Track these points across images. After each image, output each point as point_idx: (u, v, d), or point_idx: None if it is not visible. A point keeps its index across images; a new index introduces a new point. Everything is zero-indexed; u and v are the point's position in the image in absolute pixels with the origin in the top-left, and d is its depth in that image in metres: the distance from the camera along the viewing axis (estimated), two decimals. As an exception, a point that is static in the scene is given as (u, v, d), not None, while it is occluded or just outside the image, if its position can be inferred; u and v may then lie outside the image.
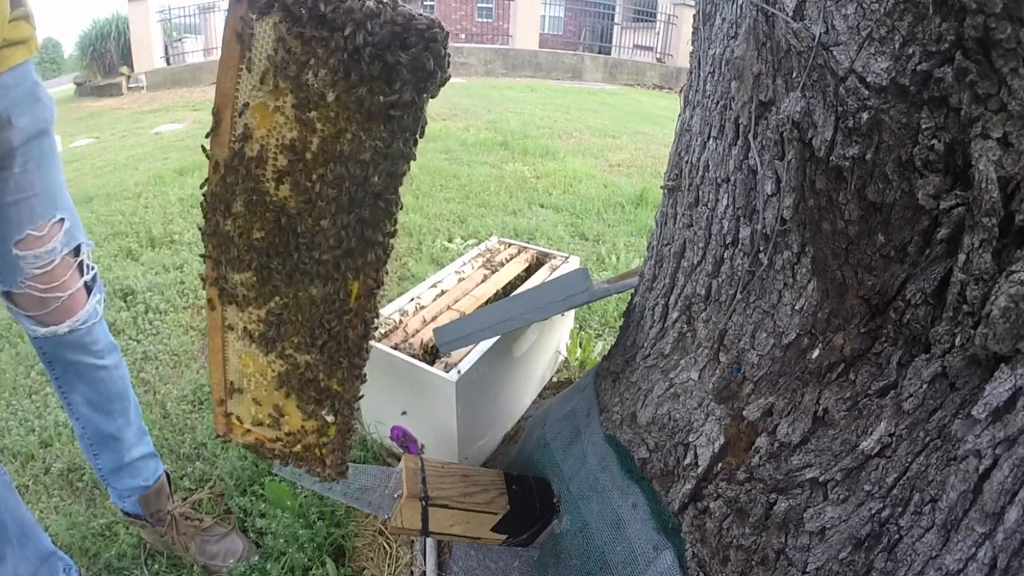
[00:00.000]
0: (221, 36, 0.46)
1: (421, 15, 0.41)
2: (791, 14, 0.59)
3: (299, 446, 0.63)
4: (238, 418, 0.65)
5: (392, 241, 0.51)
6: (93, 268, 0.94)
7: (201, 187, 0.52)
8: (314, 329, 0.55)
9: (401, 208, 0.50)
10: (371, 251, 0.50)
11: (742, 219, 0.72)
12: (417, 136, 0.45)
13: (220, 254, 0.54)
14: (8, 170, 0.80)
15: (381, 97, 0.43)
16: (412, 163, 0.47)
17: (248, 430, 0.65)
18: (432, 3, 15.29)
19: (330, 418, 0.59)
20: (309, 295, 0.53)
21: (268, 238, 0.51)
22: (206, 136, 0.50)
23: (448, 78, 0.44)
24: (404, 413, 1.21)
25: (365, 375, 0.57)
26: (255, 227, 0.51)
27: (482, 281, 1.45)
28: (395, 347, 1.16)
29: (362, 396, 0.59)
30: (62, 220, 0.87)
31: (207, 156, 0.50)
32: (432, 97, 0.44)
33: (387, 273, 0.53)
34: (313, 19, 0.42)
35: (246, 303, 0.56)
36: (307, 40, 0.43)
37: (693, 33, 0.84)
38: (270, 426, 0.63)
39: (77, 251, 0.90)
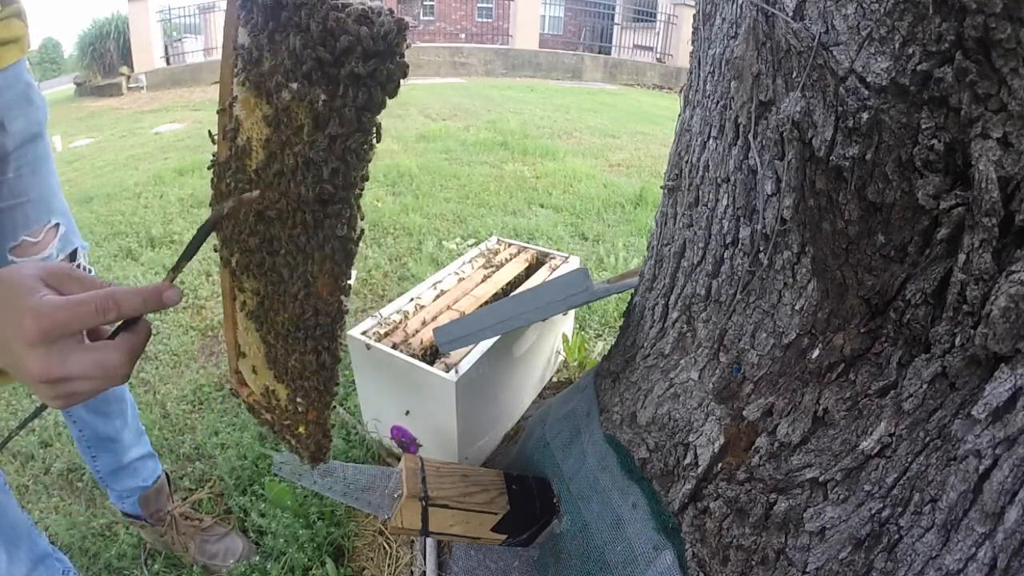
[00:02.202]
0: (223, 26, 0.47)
1: (367, 9, 0.37)
2: (791, 14, 0.59)
3: (286, 422, 0.63)
4: (245, 379, 0.66)
5: (354, 251, 0.47)
6: (90, 271, 0.94)
7: (209, 167, 0.53)
8: (283, 325, 0.55)
9: (361, 232, 0.47)
10: (327, 262, 0.48)
11: (742, 219, 0.72)
12: (365, 146, 0.42)
13: (220, 232, 0.55)
14: (2, 175, 0.78)
15: (320, 103, 0.40)
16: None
17: (252, 392, 0.66)
18: (432, 3, 15.30)
19: (301, 406, 0.59)
20: (279, 290, 0.53)
21: (249, 225, 0.52)
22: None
23: (397, 82, 0.39)
24: (408, 413, 1.21)
25: (337, 374, 0.56)
26: (241, 211, 0.52)
27: (482, 281, 1.45)
28: (395, 347, 1.16)
29: (332, 403, 0.59)
30: (57, 225, 0.86)
31: (212, 141, 0.51)
32: (384, 97, 0.40)
33: (351, 276, 0.52)
34: (274, 18, 0.41)
35: (240, 278, 0.57)
36: (271, 38, 0.43)
37: (693, 33, 0.84)
38: (263, 395, 0.64)
39: (73, 255, 0.90)
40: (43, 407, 0.50)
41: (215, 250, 0.57)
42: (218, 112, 0.50)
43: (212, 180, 0.53)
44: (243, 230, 0.52)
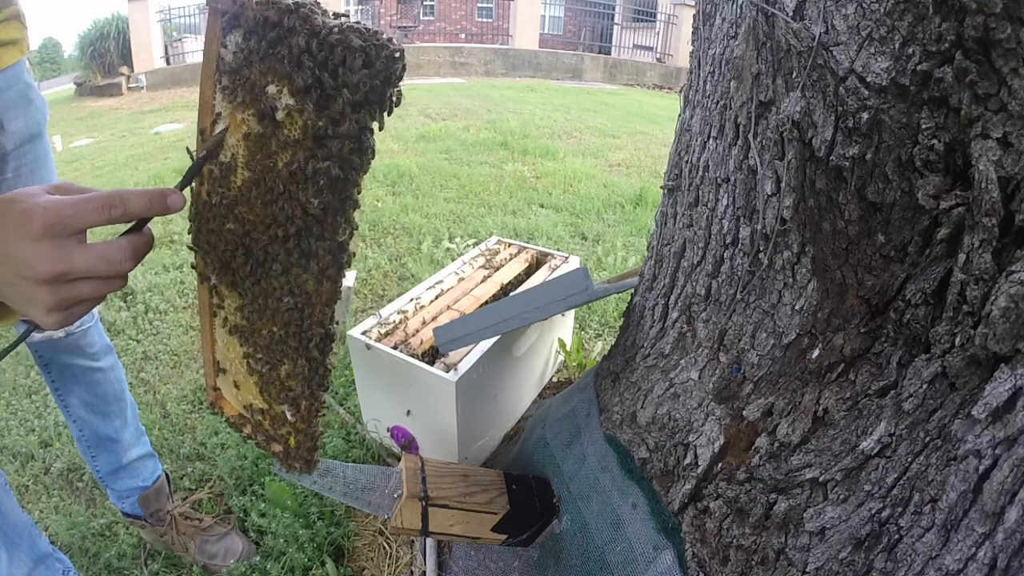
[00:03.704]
0: (203, 45, 0.47)
1: (368, 33, 0.39)
2: (791, 14, 0.59)
3: (274, 435, 0.64)
4: (224, 395, 0.67)
5: (347, 257, 0.49)
6: None
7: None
8: (271, 337, 0.55)
9: (353, 232, 0.48)
10: (327, 270, 0.49)
11: (742, 219, 0.72)
12: (363, 160, 0.43)
13: (199, 242, 0.54)
14: (1, 175, 0.79)
15: (320, 120, 0.41)
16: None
17: (232, 407, 0.67)
18: (432, 3, 15.30)
19: (291, 416, 0.59)
20: (268, 303, 0.54)
21: (234, 240, 0.52)
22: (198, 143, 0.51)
23: (395, 100, 0.41)
24: (409, 413, 1.21)
25: (327, 382, 0.57)
26: (226, 226, 0.52)
27: (482, 281, 1.45)
28: (395, 347, 1.16)
29: (325, 403, 0.59)
30: None
31: (191, 157, 0.51)
32: (382, 115, 0.42)
33: (345, 266, 0.51)
34: (268, 35, 0.42)
35: (222, 294, 0.57)
36: (264, 56, 0.43)
37: (693, 33, 0.84)
38: (246, 409, 0.64)
39: None
40: (34, 326, 0.48)
41: (193, 267, 0.57)
42: (199, 131, 0.50)
43: (191, 197, 0.53)
44: (227, 247, 0.52)
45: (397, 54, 0.39)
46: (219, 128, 0.48)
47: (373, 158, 0.44)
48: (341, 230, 0.46)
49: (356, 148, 0.42)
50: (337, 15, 0.41)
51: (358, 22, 0.40)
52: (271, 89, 0.43)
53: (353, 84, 0.39)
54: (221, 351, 0.62)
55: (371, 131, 0.42)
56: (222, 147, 0.49)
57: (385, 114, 0.42)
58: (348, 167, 0.43)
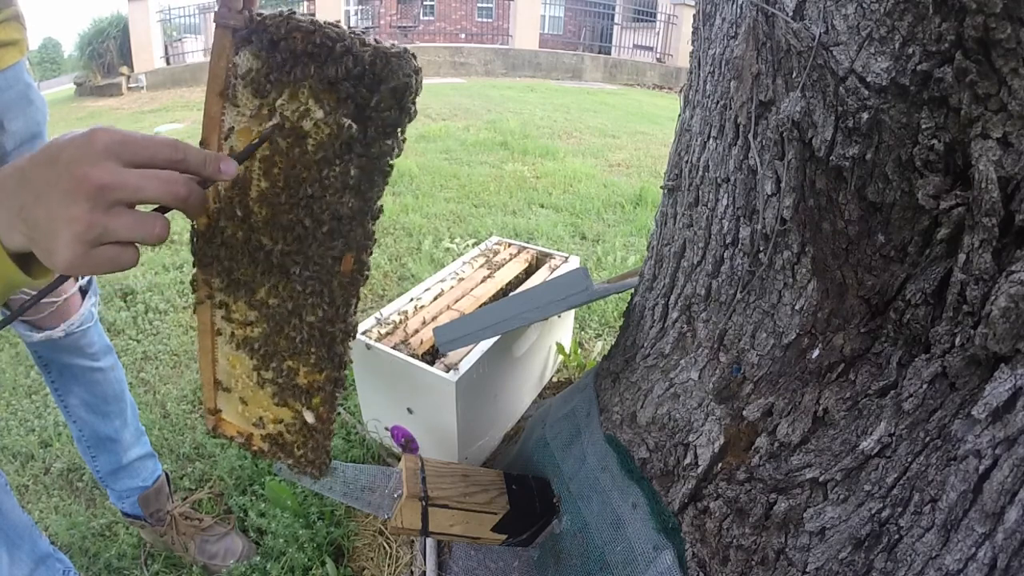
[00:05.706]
0: (209, 59, 0.47)
1: (395, 53, 0.41)
2: (791, 14, 0.59)
3: (282, 440, 0.64)
4: (226, 415, 0.66)
5: (373, 245, 0.51)
6: (95, 303, 0.94)
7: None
8: (289, 345, 0.56)
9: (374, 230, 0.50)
10: (344, 267, 0.50)
11: (742, 219, 0.72)
12: (391, 159, 0.46)
13: (205, 260, 0.54)
14: None
15: (354, 128, 0.43)
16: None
17: (235, 426, 0.66)
18: (432, 3, 15.30)
19: (310, 419, 0.60)
20: (289, 311, 0.54)
21: (246, 249, 0.52)
22: None
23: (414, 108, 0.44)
24: (411, 412, 1.21)
25: (344, 379, 0.58)
26: (239, 238, 0.52)
27: (482, 281, 1.45)
28: (395, 347, 1.16)
29: (338, 408, 0.59)
30: None
31: None
32: (407, 121, 0.45)
33: (370, 273, 0.53)
34: (292, 52, 0.43)
35: (229, 310, 0.57)
36: (285, 70, 0.44)
37: (693, 33, 0.84)
38: (256, 424, 0.64)
39: None
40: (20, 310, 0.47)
41: (192, 284, 0.57)
42: (202, 143, 0.49)
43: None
44: (239, 257, 0.52)
45: (419, 68, 0.42)
46: (232, 140, 0.48)
47: (399, 155, 0.46)
48: (367, 229, 0.48)
49: (388, 151, 0.45)
50: (352, 30, 0.42)
51: (367, 30, 0.42)
52: (296, 102, 0.44)
53: (387, 93, 0.41)
54: (224, 369, 0.62)
55: (399, 133, 0.45)
56: (245, 183, 0.49)
57: (407, 120, 0.44)
58: (378, 170, 0.45)
